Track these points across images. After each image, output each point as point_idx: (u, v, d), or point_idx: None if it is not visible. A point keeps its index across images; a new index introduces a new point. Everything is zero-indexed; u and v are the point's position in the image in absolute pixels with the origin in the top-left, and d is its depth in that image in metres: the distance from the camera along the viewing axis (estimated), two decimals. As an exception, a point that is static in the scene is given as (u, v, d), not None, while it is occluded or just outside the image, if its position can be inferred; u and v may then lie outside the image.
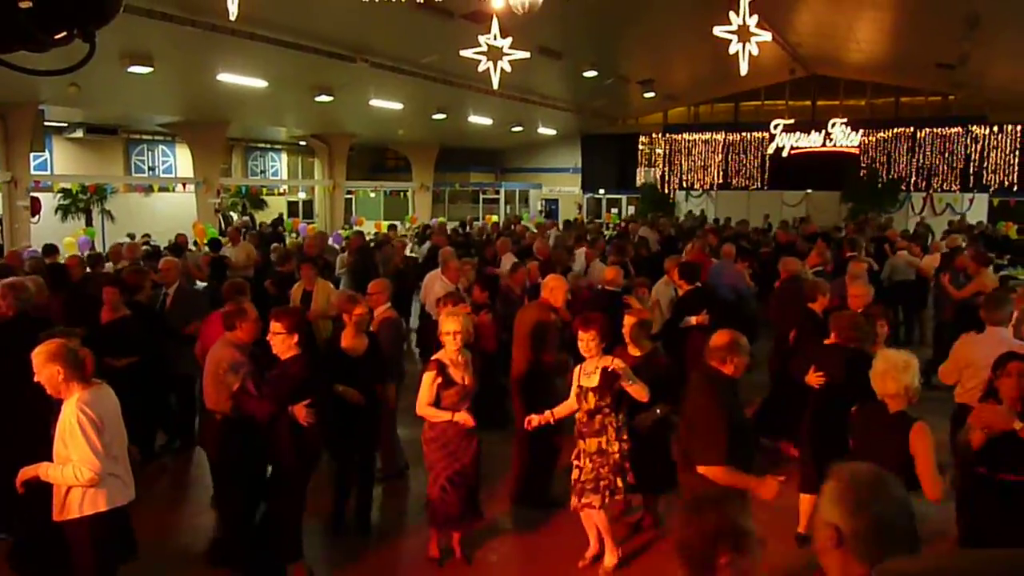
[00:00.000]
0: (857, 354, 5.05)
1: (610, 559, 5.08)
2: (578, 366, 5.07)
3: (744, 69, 6.85)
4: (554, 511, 5.83)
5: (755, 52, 6.90)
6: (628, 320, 5.45)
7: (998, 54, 17.68)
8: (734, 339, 4.01)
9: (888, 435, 3.68)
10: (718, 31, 6.73)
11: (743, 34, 6.80)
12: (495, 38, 7.49)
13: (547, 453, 6.03)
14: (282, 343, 4.83)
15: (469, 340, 5.15)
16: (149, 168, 25.47)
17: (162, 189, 25.04)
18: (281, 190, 28.93)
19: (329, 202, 25.11)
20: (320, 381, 5.02)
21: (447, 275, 8.24)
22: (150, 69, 13.78)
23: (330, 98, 17.69)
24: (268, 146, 29.39)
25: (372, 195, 29.42)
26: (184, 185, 24.05)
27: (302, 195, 28.84)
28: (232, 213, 24.37)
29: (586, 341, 4.90)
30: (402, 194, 29.37)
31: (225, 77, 15.56)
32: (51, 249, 11.13)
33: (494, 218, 24.88)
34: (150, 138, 25.06)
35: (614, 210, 29.01)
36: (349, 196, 27.52)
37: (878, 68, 22.71)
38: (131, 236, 16.48)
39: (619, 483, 4.89)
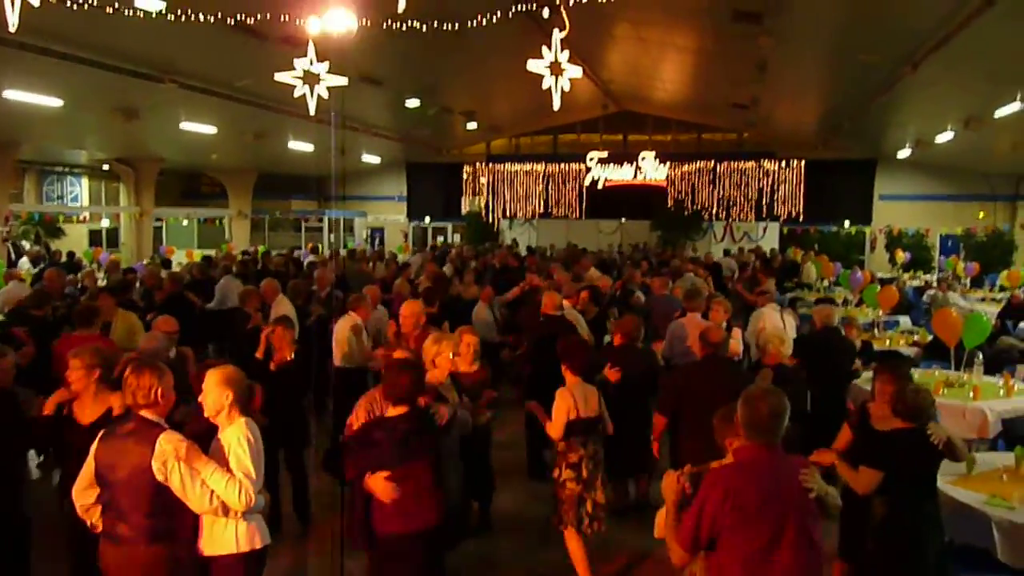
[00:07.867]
0: None
1: None
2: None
3: (557, 103, 7.07)
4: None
5: (567, 87, 7.12)
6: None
7: (782, 97, 19.50)
8: None
9: None
10: (531, 65, 6.94)
11: (555, 69, 7.01)
12: (311, 63, 7.32)
13: None
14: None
15: None
16: (-77, 193, 22.82)
17: (-61, 216, 22.50)
18: (82, 217, 26.79)
19: (136, 230, 23.56)
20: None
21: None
22: (-79, 83, 12.45)
23: (135, 120, 16.64)
24: (66, 170, 27.21)
25: (185, 223, 27.90)
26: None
27: (105, 223, 26.86)
28: (24, 242, 22.31)
29: None
30: (218, 221, 28.03)
31: (13, 95, 14.23)
32: None
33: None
34: (-76, 159, 22.51)
35: (440, 238, 29.20)
36: (159, 224, 25.94)
37: (681, 106, 24.44)
38: None
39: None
